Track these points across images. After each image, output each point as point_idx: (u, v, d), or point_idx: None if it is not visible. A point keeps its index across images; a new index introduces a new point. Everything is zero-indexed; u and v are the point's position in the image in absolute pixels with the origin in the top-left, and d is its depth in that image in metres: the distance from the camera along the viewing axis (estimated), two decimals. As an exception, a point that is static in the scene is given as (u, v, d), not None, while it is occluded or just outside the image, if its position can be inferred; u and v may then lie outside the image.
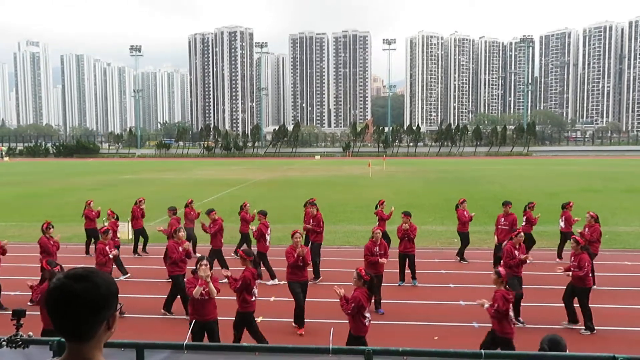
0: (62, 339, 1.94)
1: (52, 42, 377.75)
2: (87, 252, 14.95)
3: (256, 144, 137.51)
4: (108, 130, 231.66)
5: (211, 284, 7.11)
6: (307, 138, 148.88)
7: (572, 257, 8.82)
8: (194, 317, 7.10)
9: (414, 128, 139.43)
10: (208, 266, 7.32)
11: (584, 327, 8.76)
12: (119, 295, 1.75)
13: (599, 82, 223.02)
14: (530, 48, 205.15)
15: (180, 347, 3.78)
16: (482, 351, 3.55)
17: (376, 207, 14.55)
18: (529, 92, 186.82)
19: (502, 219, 12.96)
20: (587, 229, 11.62)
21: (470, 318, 9.45)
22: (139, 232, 15.15)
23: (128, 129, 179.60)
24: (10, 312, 2.76)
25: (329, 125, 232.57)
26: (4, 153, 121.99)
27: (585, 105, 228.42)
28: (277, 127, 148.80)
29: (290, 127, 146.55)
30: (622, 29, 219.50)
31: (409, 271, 11.94)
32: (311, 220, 13.28)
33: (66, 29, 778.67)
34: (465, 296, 10.73)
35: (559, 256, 13.91)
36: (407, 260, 11.96)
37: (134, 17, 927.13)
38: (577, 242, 8.92)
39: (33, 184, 41.96)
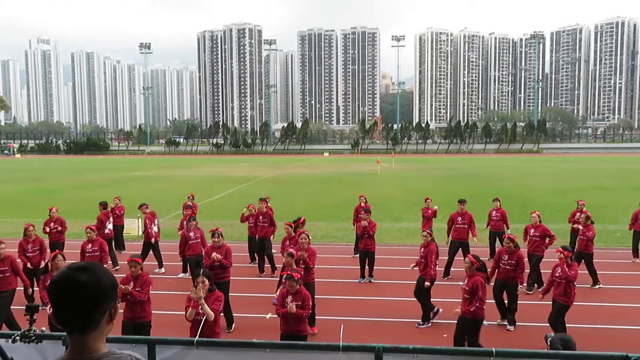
0: None
1: (62, 39, 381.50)
2: (117, 247, 14.95)
3: (265, 141, 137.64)
4: (118, 128, 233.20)
5: (205, 305, 6.13)
6: (315, 135, 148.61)
7: (507, 256, 9.12)
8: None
9: (423, 125, 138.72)
10: (205, 285, 6.37)
11: (507, 322, 9.01)
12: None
13: (611, 79, 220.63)
14: (541, 44, 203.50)
15: (191, 343, 3.81)
16: (493, 349, 3.54)
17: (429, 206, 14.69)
18: (540, 88, 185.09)
19: (459, 218, 12.70)
20: (532, 230, 11.42)
21: (479, 316, 9.40)
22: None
23: (138, 126, 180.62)
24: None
25: (338, 123, 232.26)
26: (15, 150, 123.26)
27: (596, 102, 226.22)
28: (285, 125, 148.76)
29: (298, 124, 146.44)
30: (635, 25, 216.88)
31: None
32: (260, 217, 12.99)
33: (76, 26, 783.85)
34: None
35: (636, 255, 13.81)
36: (367, 257, 11.91)
37: (143, 14, 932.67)
38: (512, 240, 9.21)
39: (44, 181, 42.39)
